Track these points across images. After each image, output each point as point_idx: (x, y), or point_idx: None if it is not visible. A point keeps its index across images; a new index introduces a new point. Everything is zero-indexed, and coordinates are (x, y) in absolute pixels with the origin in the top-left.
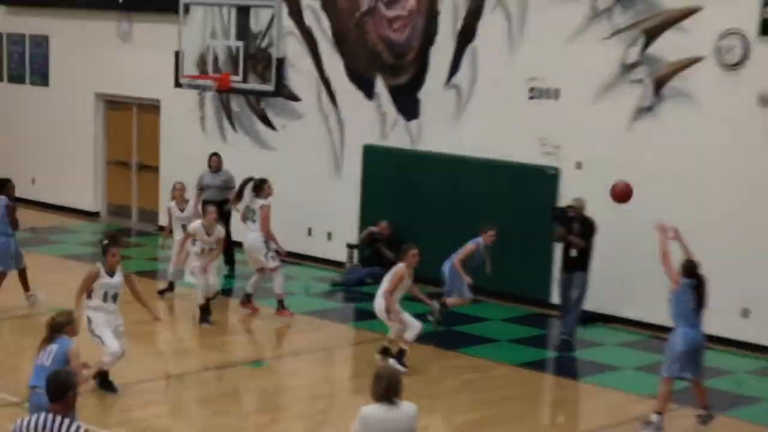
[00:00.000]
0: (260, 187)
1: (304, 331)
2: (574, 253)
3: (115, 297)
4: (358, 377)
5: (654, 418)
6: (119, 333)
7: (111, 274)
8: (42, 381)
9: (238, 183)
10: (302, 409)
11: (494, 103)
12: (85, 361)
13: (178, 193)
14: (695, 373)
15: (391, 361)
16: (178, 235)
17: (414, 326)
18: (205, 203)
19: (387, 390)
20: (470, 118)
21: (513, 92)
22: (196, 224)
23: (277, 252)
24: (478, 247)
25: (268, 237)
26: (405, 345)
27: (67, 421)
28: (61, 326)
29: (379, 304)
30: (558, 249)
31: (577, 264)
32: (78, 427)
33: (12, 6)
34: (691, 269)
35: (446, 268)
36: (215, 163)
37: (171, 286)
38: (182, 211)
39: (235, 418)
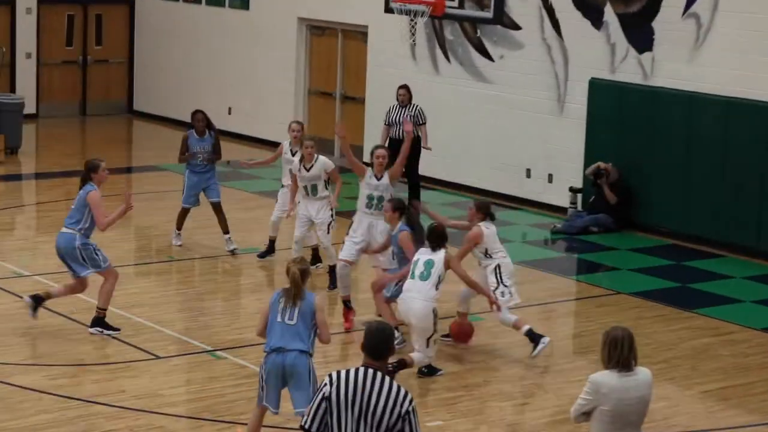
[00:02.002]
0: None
1: (520, 283)
2: None
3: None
4: (579, 337)
5: None
6: None
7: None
8: (288, 342)
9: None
10: (517, 371)
11: (739, 35)
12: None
13: (294, 133)
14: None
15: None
16: (285, 179)
17: None
18: (392, 141)
19: (628, 355)
20: (711, 52)
21: (762, 23)
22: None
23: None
24: None
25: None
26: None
27: (395, 385)
28: (306, 275)
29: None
30: None
31: None
32: (406, 393)
33: None
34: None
35: None
36: (403, 97)
37: (271, 248)
38: (293, 153)
39: (444, 377)
